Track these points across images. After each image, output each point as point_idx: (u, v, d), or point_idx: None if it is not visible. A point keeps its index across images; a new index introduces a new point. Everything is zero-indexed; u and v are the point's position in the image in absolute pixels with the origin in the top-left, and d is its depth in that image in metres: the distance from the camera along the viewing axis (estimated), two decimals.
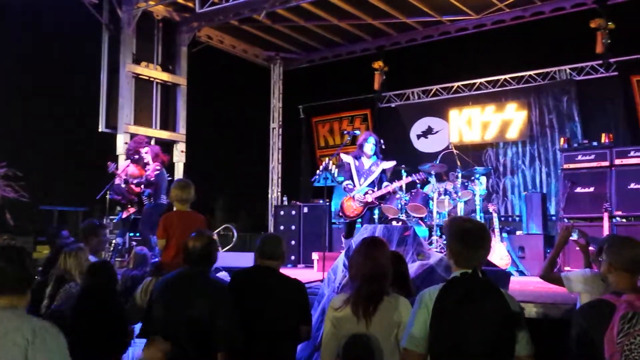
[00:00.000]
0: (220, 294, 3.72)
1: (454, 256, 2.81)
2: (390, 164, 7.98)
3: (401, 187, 8.24)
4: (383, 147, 8.42)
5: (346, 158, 8.12)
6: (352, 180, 7.89)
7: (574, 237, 4.68)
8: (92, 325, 4.06)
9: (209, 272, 3.93)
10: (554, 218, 10.10)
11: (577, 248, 4.44)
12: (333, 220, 11.04)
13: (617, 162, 8.67)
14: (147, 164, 8.50)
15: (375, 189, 7.79)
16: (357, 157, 7.94)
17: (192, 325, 3.56)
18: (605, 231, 7.76)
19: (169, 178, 8.89)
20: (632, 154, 8.63)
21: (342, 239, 8.34)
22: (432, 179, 8.76)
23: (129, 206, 8.69)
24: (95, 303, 4.18)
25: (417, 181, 8.11)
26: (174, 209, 5.55)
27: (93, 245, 5.35)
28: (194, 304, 3.62)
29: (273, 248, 3.98)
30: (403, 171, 8.72)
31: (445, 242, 8.28)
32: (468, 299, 2.65)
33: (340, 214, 8.05)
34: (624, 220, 8.49)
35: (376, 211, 8.38)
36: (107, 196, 8.76)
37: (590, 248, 4.10)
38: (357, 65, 13.09)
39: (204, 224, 5.23)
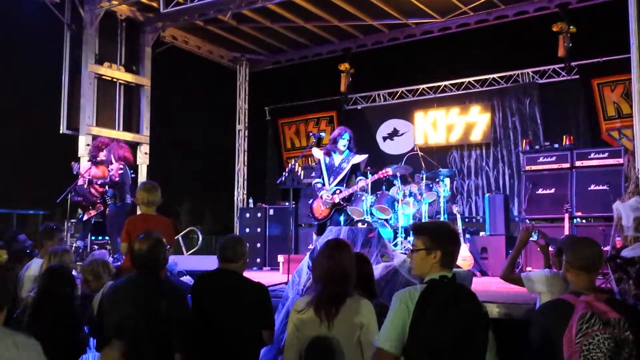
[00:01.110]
0: (172, 296, 3.68)
1: (446, 257, 2.80)
2: (361, 158, 7.70)
3: (365, 188, 8.09)
4: None
5: (317, 154, 7.91)
6: (322, 179, 7.76)
7: (534, 237, 4.74)
8: (48, 330, 3.97)
9: (159, 275, 3.85)
10: (517, 219, 10.25)
11: (538, 249, 4.50)
12: (299, 223, 11.02)
13: (578, 163, 8.83)
14: (110, 163, 8.40)
15: (344, 187, 7.62)
16: (329, 153, 7.70)
17: (147, 329, 3.52)
18: (566, 232, 7.89)
19: (133, 176, 8.78)
20: (592, 155, 8.81)
21: (314, 235, 8.21)
22: (397, 181, 8.79)
23: (90, 208, 8.56)
24: (52, 308, 4.10)
25: (383, 177, 7.95)
26: (138, 211, 5.46)
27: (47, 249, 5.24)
28: (146, 308, 3.57)
29: (234, 250, 3.93)
30: (368, 173, 8.73)
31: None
32: (450, 303, 2.67)
33: (310, 214, 7.95)
34: (584, 221, 8.66)
35: (342, 216, 8.17)
36: (68, 198, 8.59)
37: (550, 249, 4.16)
38: (324, 67, 13.11)
39: (170, 227, 5.14)
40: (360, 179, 7.67)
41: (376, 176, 7.81)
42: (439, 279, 2.74)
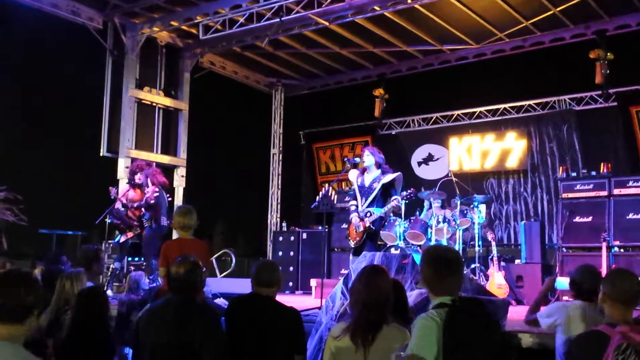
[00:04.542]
0: (207, 320, 3.71)
1: (432, 284, 2.86)
2: (390, 178, 7.29)
3: (399, 206, 7.78)
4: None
5: (352, 176, 7.78)
6: (357, 201, 7.48)
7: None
8: (82, 355, 4.04)
9: (196, 298, 3.90)
10: (555, 247, 10.10)
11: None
12: (332, 247, 11.04)
13: (616, 192, 8.68)
14: (147, 186, 8.56)
15: (374, 208, 7.21)
16: (362, 174, 7.45)
17: (181, 352, 3.56)
18: (604, 261, 7.75)
19: (169, 199, 8.93)
20: (630, 184, 8.65)
21: (351, 256, 8.03)
22: (436, 204, 8.77)
23: (128, 230, 8.72)
24: (86, 332, 4.14)
25: (410, 197, 7.65)
26: (174, 234, 5.55)
27: (93, 271, 5.35)
28: (181, 331, 3.60)
29: (269, 275, 3.97)
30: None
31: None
32: (475, 321, 2.72)
33: (346, 237, 7.80)
34: (622, 250, 8.48)
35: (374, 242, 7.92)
36: (107, 220, 8.78)
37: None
38: (358, 93, 13.22)
39: (205, 250, 5.20)
40: (395, 199, 7.26)
41: (405, 193, 7.47)
42: (451, 302, 2.76)
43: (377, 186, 7.28)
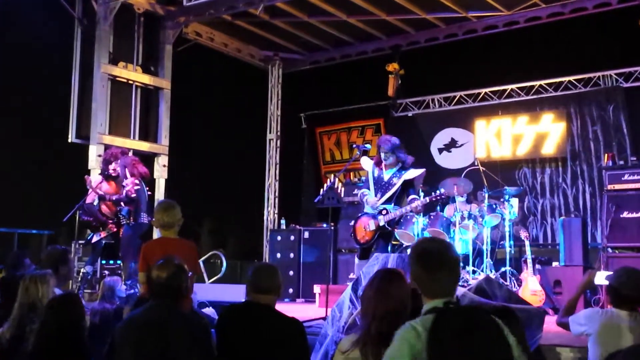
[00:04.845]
0: (194, 332, 3.74)
1: (422, 285, 2.83)
2: (416, 173, 7.46)
3: (420, 208, 7.90)
4: None
5: (366, 164, 7.79)
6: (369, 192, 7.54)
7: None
8: None
9: (182, 307, 3.92)
10: (599, 246, 10.10)
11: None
12: (339, 248, 11.06)
13: None
14: (125, 177, 8.57)
15: (392, 206, 7.36)
16: (379, 164, 7.53)
17: None
18: None
19: (149, 193, 8.96)
20: None
21: (356, 259, 8.09)
22: (460, 198, 8.77)
23: (101, 229, 8.75)
24: (57, 343, 4.17)
25: (437, 200, 7.78)
26: (155, 233, 5.57)
27: (61, 275, 5.36)
28: (163, 345, 3.63)
29: (267, 280, 3.98)
30: (420, 190, 8.73)
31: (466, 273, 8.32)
32: (469, 329, 2.63)
33: (351, 235, 7.84)
34: None
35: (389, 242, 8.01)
36: (77, 217, 8.80)
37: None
38: (369, 68, 13.20)
39: (193, 252, 5.23)
40: (413, 198, 7.41)
41: (427, 200, 7.56)
42: (443, 306, 2.72)
43: (398, 182, 7.37)
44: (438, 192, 7.54)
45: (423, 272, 2.81)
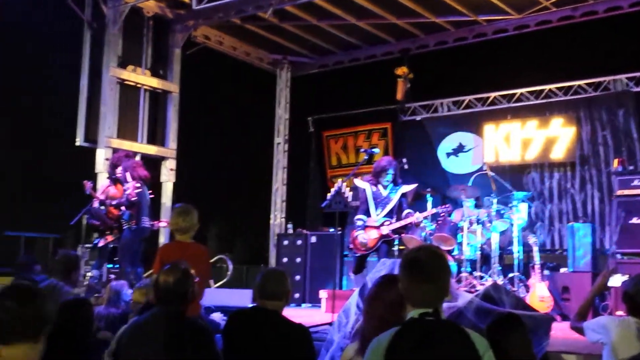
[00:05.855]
0: (199, 337, 3.74)
1: (408, 292, 2.80)
2: (410, 188, 8.04)
3: (420, 222, 8.21)
4: (406, 167, 8.48)
5: (361, 184, 8.16)
6: (368, 210, 7.92)
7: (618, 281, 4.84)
8: None
9: (185, 313, 3.93)
10: (607, 253, 10.08)
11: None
12: (345, 253, 11.08)
13: None
14: (126, 181, 8.60)
15: (394, 219, 7.80)
16: (374, 182, 8.03)
17: None
18: None
19: (152, 196, 8.98)
20: None
21: (351, 275, 8.39)
22: (467, 204, 8.80)
23: (108, 233, 8.78)
24: (64, 351, 4.19)
25: (443, 214, 8.15)
26: (160, 238, 5.61)
27: (72, 281, 5.39)
28: (168, 351, 3.64)
29: (276, 286, 3.99)
30: (429, 195, 8.76)
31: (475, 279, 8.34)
32: (425, 344, 2.60)
33: (351, 246, 8.06)
34: None
35: (396, 242, 8.31)
36: (84, 221, 8.84)
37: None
38: (377, 71, 13.17)
39: (207, 257, 5.28)
40: (408, 213, 7.91)
41: (434, 210, 7.98)
42: (417, 317, 2.69)
43: (396, 197, 7.93)
44: (444, 207, 7.93)
45: (405, 281, 2.80)
